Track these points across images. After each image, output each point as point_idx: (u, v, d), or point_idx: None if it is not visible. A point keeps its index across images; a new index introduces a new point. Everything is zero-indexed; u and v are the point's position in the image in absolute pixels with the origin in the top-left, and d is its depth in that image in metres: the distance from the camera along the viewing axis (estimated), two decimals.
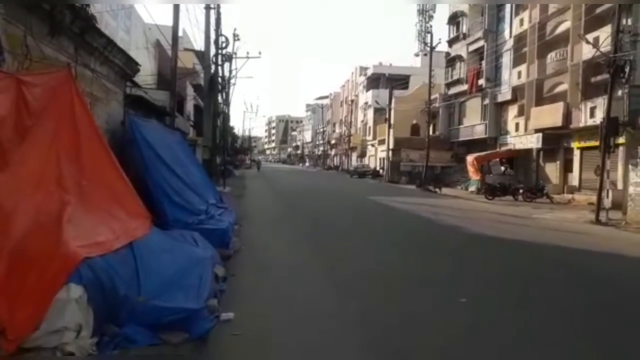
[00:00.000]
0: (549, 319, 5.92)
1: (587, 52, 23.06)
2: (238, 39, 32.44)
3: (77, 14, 6.12)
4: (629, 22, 21.70)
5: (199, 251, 6.64)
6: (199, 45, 26.21)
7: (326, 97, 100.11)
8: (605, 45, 18.81)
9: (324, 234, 12.61)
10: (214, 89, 24.23)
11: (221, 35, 24.31)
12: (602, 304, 6.76)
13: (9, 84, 4.79)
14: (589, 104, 24.53)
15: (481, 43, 37.37)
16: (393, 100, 46.70)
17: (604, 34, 21.13)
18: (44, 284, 4.15)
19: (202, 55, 24.37)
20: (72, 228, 4.79)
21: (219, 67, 26.08)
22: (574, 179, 27.34)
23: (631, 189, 17.61)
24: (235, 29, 46.33)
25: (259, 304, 6.17)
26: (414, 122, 46.58)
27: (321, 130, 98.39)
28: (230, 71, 34.05)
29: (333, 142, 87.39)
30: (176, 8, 14.90)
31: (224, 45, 25.21)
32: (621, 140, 19.58)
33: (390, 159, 46.25)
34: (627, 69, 17.36)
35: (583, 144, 25.84)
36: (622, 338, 5.42)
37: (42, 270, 4.21)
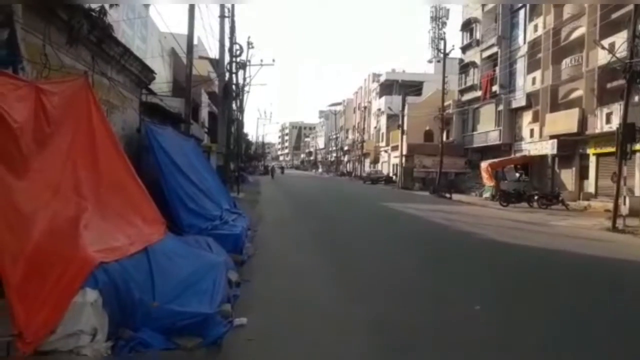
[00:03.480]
0: (565, 327, 5.86)
1: (602, 57, 22.85)
2: (252, 47, 32.73)
3: (94, 24, 6.24)
4: None
5: (212, 256, 6.70)
6: (213, 53, 26.43)
7: (339, 103, 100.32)
8: (621, 51, 18.61)
9: (337, 240, 12.61)
10: (228, 96, 24.43)
11: (235, 43, 24.55)
12: (622, 312, 6.67)
13: (29, 92, 4.90)
14: (605, 110, 24.26)
15: (495, 49, 37.21)
16: (406, 107, 46.60)
17: (620, 39, 20.88)
18: (60, 288, 4.23)
19: (216, 63, 24.59)
20: (89, 233, 4.88)
21: (233, 75, 26.31)
22: (590, 185, 26.99)
23: None
24: (249, 37, 47.24)
25: (273, 310, 6.19)
26: (427, 128, 46.44)
27: (334, 136, 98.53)
28: (244, 78, 34.37)
29: (346, 148, 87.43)
30: (191, 16, 15.08)
31: (238, 53, 25.45)
32: (638, 146, 19.32)
33: (404, 165, 46.12)
34: None
35: (599, 150, 25.53)
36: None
37: (58, 275, 4.29)
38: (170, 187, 8.56)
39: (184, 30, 15.90)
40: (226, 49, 22.76)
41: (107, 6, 6.07)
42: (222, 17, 21.11)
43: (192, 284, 5.53)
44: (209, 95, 30.64)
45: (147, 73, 9.90)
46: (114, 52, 7.71)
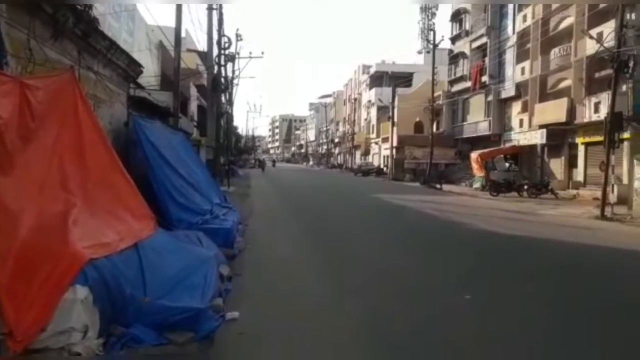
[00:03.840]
0: (555, 315, 5.92)
1: (590, 47, 22.98)
2: (241, 39, 32.57)
3: (80, 17, 6.16)
4: (633, 17, 21.61)
5: (203, 251, 6.67)
6: (201, 46, 26.24)
7: (329, 95, 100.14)
8: (609, 41, 18.72)
9: (328, 232, 12.62)
10: (217, 89, 24.28)
11: (223, 35, 24.39)
12: (610, 299, 6.75)
13: (13, 87, 4.82)
14: (593, 100, 24.42)
15: (484, 40, 37.29)
16: (396, 98, 46.65)
17: (608, 29, 20.97)
18: (50, 286, 4.19)
19: (205, 56, 24.41)
20: (78, 230, 4.83)
21: (222, 68, 26.14)
22: (578, 174, 27.25)
23: (636, 184, 17.57)
24: (237, 29, 46.52)
25: (264, 304, 6.19)
26: (418, 119, 46.52)
27: (325, 128, 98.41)
28: (233, 71, 34.18)
29: (337, 140, 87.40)
30: (179, 9, 14.94)
31: (226, 45, 25.27)
32: (626, 135, 19.50)
33: (394, 156, 46.23)
34: (630, 64, 17.27)
35: (587, 140, 25.73)
36: (624, 330, 5.41)
37: (48, 272, 4.25)
38: (159, 181, 8.51)
39: (172, 23, 15.78)
40: (214, 41, 22.58)
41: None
42: (210, 9, 20.96)
43: (183, 279, 5.50)
44: (197, 88, 30.42)
45: (135, 67, 9.80)
46: (100, 46, 7.61)
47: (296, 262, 8.86)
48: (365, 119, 67.69)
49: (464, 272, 8.32)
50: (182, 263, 5.82)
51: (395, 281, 7.58)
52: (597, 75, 24.55)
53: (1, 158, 4.52)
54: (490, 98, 36.52)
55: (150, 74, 19.26)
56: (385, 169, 51.32)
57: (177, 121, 15.39)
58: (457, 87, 41.98)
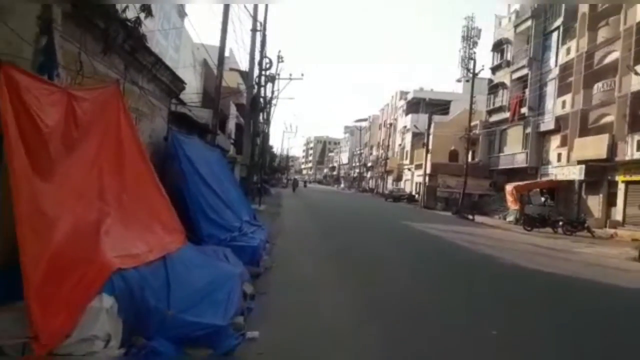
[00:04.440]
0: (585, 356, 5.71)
1: (636, 83, 22.46)
2: (282, 61, 33.11)
3: (130, 33, 6.41)
4: None
5: (229, 267, 6.73)
6: (244, 65, 26.84)
7: (365, 119, 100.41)
8: None
9: (355, 256, 12.52)
10: (255, 109, 24.70)
11: (265, 57, 24.88)
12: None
13: (60, 97, 5.03)
14: (636, 137, 23.74)
15: (525, 71, 36.85)
16: (432, 125, 46.38)
17: None
18: (78, 293, 4.28)
19: (246, 76, 24.93)
20: (109, 239, 4.95)
21: (262, 88, 26.63)
22: (617, 213, 26.31)
23: None
24: (279, 51, 47.56)
25: (285, 324, 6.17)
26: (453, 148, 46.07)
27: (358, 152, 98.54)
28: (273, 91, 34.74)
29: (369, 164, 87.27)
30: (224, 29, 15.37)
31: (267, 66, 25.76)
32: None
33: (427, 184, 45.75)
34: None
35: (628, 178, 24.91)
36: None
37: (77, 279, 4.34)
38: (193, 196, 8.67)
39: (217, 42, 16.24)
40: (256, 62, 23.08)
41: (142, 16, 6.22)
42: (254, 30, 21.46)
43: (207, 295, 5.55)
44: (237, 107, 31.03)
45: (177, 83, 10.09)
46: (146, 62, 7.89)
47: (320, 285, 8.81)
48: (400, 145, 67.44)
49: (494, 307, 8.10)
50: (207, 278, 5.87)
51: (421, 311, 7.44)
52: None
53: (44, 165, 4.70)
54: (528, 130, 35.91)
55: (192, 91, 19.79)
56: (416, 196, 50.81)
57: (214, 138, 15.71)
58: (495, 118, 41.47)
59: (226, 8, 15.43)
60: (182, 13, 18.48)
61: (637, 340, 6.82)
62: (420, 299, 8.25)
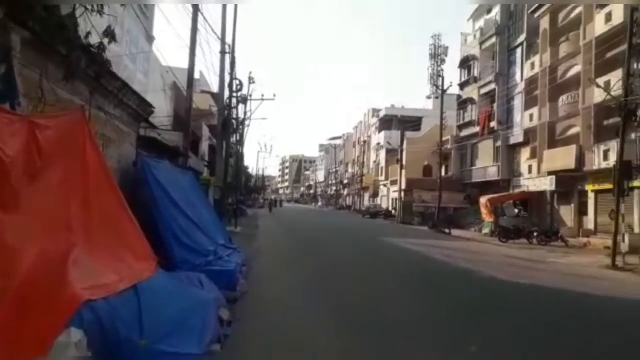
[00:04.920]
0: None
1: (598, 95, 23.13)
2: (253, 82, 33.25)
3: (93, 59, 6.30)
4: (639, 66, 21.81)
5: (203, 294, 6.57)
6: (215, 87, 26.74)
7: (339, 137, 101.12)
8: (616, 89, 18.86)
9: (334, 277, 12.42)
10: (227, 130, 24.59)
11: (235, 78, 24.89)
12: (618, 351, 6.52)
13: (21, 126, 4.90)
14: (602, 147, 24.40)
15: (492, 86, 37.76)
16: (405, 142, 46.98)
17: (615, 77, 21.19)
18: (45, 327, 4.11)
19: (217, 97, 24.88)
20: (77, 270, 4.78)
21: (233, 109, 26.56)
22: (589, 222, 26.89)
23: None
24: (250, 72, 47.98)
25: (263, 350, 6.04)
26: (426, 163, 46.64)
27: (334, 170, 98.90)
28: (245, 112, 34.73)
29: (345, 181, 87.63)
30: (192, 52, 15.34)
31: (238, 88, 25.77)
32: (636, 183, 19.35)
33: (403, 199, 46.11)
34: (638, 112, 17.30)
35: (597, 187, 25.52)
36: None
37: (44, 313, 4.18)
38: (165, 221, 8.49)
39: (186, 64, 16.16)
40: (226, 84, 23.07)
41: (105, 42, 6.11)
42: (222, 52, 21.48)
43: (182, 323, 5.40)
44: (210, 128, 30.85)
45: (145, 107, 9.96)
46: (112, 87, 7.77)
47: (298, 308, 8.68)
48: (374, 161, 68.00)
49: (472, 322, 8.11)
50: (180, 305, 5.72)
51: (399, 331, 7.36)
52: (605, 122, 24.59)
53: (5, 195, 4.55)
54: (498, 143, 36.64)
55: (163, 114, 19.60)
56: (393, 211, 51.11)
57: (186, 160, 15.53)
58: (465, 132, 42.23)
59: (194, 28, 15.42)
60: (149, 37, 18.36)
61: (613, 343, 6.89)
62: (400, 321, 8.17)
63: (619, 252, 17.18)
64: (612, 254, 17.02)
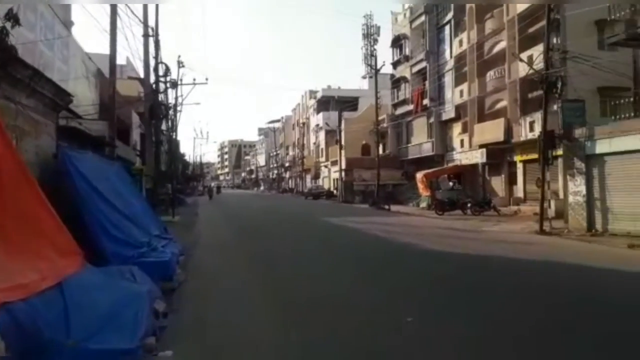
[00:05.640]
0: (499, 329, 5.97)
1: (522, 69, 24.15)
2: (183, 66, 32.22)
3: None
4: (558, 40, 22.92)
5: (135, 287, 6.33)
6: (143, 73, 25.67)
7: (278, 120, 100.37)
8: (538, 63, 19.74)
9: (274, 261, 12.31)
10: (155, 116, 23.73)
11: (161, 62, 24.01)
12: (546, 309, 6.89)
13: None
14: (528, 119, 25.61)
15: (423, 64, 38.58)
16: (343, 122, 47.36)
17: (537, 52, 22.19)
18: None
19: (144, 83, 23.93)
20: None
21: (161, 95, 25.68)
22: (518, 191, 28.32)
23: (570, 198, 18.36)
24: (179, 56, 45.97)
25: (202, 341, 5.90)
26: (364, 142, 47.31)
27: (275, 153, 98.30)
28: (176, 98, 33.68)
29: (287, 164, 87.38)
30: (113, 37, 14.58)
31: (165, 72, 24.89)
32: (559, 152, 20.46)
33: (343, 179, 46.65)
34: (559, 85, 18.20)
35: (525, 157, 26.86)
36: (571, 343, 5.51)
37: None
38: (91, 215, 8.08)
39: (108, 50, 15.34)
40: (151, 69, 22.21)
41: (9, 26, 5.65)
42: (145, 36, 20.62)
43: (112, 318, 5.18)
44: (140, 116, 29.70)
45: (63, 96, 9.35)
46: (22, 75, 7.22)
47: (239, 295, 8.51)
48: (314, 143, 68.16)
49: (409, 293, 8.32)
50: (111, 301, 5.49)
51: (340, 307, 7.42)
52: (530, 95, 25.78)
53: None
54: (432, 120, 37.66)
55: (88, 103, 18.59)
56: (335, 191, 51.61)
57: (113, 151, 14.85)
58: (400, 110, 43.06)
59: (113, 11, 14.65)
60: (68, 22, 17.29)
61: (548, 308, 7.27)
62: (340, 297, 8.25)
63: (546, 218, 18.20)
64: (540, 220, 18.00)
